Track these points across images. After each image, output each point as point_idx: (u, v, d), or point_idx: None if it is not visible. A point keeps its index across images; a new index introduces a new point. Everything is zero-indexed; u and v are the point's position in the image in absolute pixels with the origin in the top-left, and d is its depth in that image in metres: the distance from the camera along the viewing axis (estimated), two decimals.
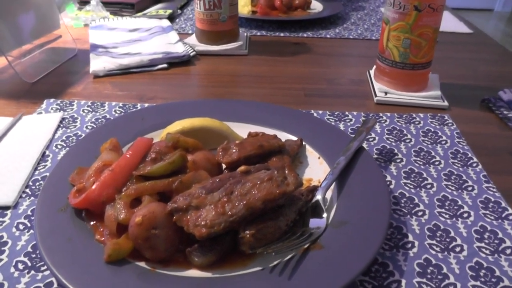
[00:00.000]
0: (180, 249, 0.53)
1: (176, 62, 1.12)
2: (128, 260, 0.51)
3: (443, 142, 0.81)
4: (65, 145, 0.77)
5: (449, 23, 1.47)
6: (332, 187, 0.63)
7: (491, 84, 1.06)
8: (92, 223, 0.56)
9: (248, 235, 0.50)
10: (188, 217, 0.51)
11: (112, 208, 0.55)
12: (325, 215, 0.57)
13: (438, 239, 0.60)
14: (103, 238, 0.54)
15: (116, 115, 0.87)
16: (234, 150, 0.62)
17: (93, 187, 0.57)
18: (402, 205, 0.66)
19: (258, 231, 0.51)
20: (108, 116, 0.86)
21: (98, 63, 1.06)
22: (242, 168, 0.56)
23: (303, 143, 0.72)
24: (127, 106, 0.90)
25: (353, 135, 0.72)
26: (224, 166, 0.64)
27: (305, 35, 1.35)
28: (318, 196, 0.59)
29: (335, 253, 0.52)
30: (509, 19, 5.16)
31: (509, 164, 0.77)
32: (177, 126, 0.70)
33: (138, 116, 0.80)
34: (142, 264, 0.51)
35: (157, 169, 0.58)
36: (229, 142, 0.65)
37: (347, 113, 0.89)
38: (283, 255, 0.52)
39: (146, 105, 0.90)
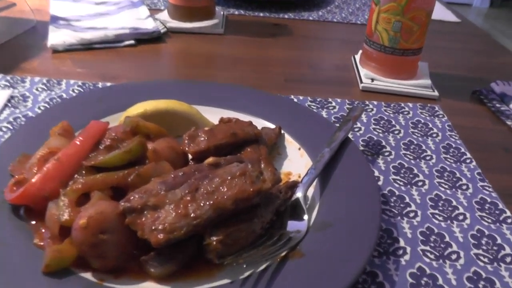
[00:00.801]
0: (136, 256, 0.44)
1: (145, 39, 1.02)
2: (71, 271, 0.43)
3: (434, 135, 0.74)
4: (11, 127, 0.67)
5: (437, 10, 1.40)
6: (314, 183, 0.55)
7: (482, 75, 1.00)
8: (32, 222, 0.47)
9: (215, 242, 0.42)
10: (144, 219, 0.42)
11: (56, 206, 0.46)
12: (306, 217, 0.49)
13: (432, 244, 0.53)
14: (42, 243, 0.45)
15: (74, 94, 0.77)
16: (202, 138, 0.53)
17: (34, 179, 0.48)
18: (392, 204, 0.58)
19: (228, 236, 0.42)
20: (64, 96, 0.77)
21: (57, 36, 0.96)
22: (210, 160, 0.47)
23: (282, 131, 0.64)
24: (87, 85, 0.81)
25: (338, 124, 0.64)
26: (190, 156, 0.55)
27: (286, 16, 1.27)
28: (299, 194, 0.51)
29: (317, 262, 0.44)
30: (487, 14, 5.18)
31: (504, 160, 0.71)
32: (138, 108, 0.61)
33: (96, 96, 0.71)
34: (88, 275, 0.43)
35: (111, 158, 0.50)
36: (197, 129, 0.56)
37: (330, 100, 0.81)
38: (256, 265, 0.44)
39: (108, 84, 0.81)
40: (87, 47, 0.96)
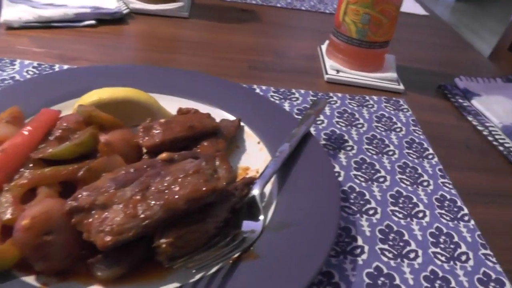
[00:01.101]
0: (84, 257, 0.41)
1: (107, 20, 0.98)
2: (13, 274, 0.40)
3: (398, 130, 0.73)
4: None
5: (405, 3, 1.40)
6: (272, 179, 0.53)
7: (448, 70, 1.00)
8: None
9: (164, 245, 0.39)
10: (91, 219, 0.39)
11: None
12: (261, 217, 0.47)
13: (390, 243, 0.53)
14: None
15: (28, 76, 0.73)
16: (157, 131, 0.51)
17: None
18: (352, 201, 0.57)
19: (179, 238, 0.40)
20: (17, 78, 0.72)
21: (12, 12, 0.90)
22: (164, 155, 0.45)
23: (242, 124, 0.62)
24: (43, 66, 0.77)
25: (300, 117, 0.63)
26: (145, 150, 0.52)
27: (253, 1, 1.24)
28: (255, 191, 0.49)
29: (272, 264, 0.43)
30: (453, 8, 5.23)
31: (465, 157, 0.71)
32: (93, 96, 0.57)
33: (51, 80, 0.67)
34: (31, 279, 0.40)
35: (60, 151, 0.47)
36: (153, 120, 0.53)
37: (293, 90, 0.80)
38: (208, 268, 0.42)
39: (66, 66, 0.77)
40: (45, 25, 0.92)
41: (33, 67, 0.76)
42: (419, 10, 1.38)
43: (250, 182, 0.50)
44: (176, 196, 0.40)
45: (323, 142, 0.68)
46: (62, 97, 0.63)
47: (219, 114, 0.62)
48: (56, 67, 0.77)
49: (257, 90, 0.78)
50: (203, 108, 0.62)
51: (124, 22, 1.00)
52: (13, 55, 0.79)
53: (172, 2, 1.07)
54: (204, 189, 0.41)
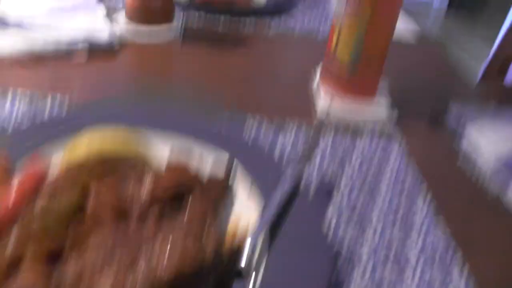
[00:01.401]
0: None
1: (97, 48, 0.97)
2: None
3: (391, 172, 0.72)
4: None
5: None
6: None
7: (439, 97, 0.99)
8: None
9: None
10: None
11: None
12: None
13: None
14: None
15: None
16: (144, 189, 0.49)
17: None
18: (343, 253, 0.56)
19: None
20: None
21: (3, 40, 0.91)
22: (150, 219, 0.44)
23: (231, 172, 0.60)
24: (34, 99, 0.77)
25: (291, 159, 0.61)
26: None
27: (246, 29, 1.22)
28: (244, 261, 0.46)
29: None
30: (447, 13, 5.25)
31: (463, 200, 0.69)
32: (82, 147, 0.56)
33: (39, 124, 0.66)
34: None
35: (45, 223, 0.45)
36: (141, 174, 0.52)
37: (287, 124, 0.79)
38: None
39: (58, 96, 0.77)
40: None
41: (24, 100, 0.75)
42: (408, 35, 1.35)
43: (238, 251, 0.48)
44: (164, 269, 0.39)
45: (313, 189, 0.66)
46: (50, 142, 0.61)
47: (207, 158, 0.61)
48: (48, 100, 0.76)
49: (250, 121, 0.78)
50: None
51: (116, 50, 0.99)
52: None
53: (165, 22, 1.05)
54: (188, 262, 0.40)
